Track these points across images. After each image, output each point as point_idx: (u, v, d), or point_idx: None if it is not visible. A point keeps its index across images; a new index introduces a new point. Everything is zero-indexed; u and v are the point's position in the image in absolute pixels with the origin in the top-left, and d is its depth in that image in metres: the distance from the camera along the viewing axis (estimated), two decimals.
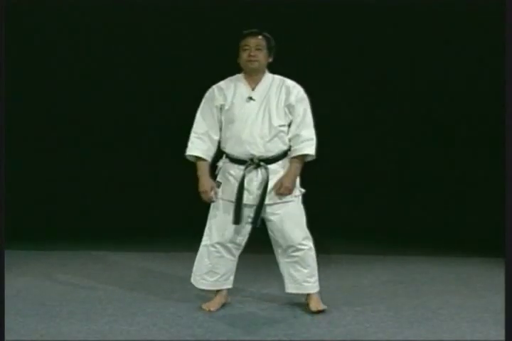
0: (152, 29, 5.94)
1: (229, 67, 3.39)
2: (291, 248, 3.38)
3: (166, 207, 6.09)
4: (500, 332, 3.01)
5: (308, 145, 3.30)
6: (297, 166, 3.32)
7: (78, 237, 5.56)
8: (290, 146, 3.35)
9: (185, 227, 5.73)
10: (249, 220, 3.35)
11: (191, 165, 3.58)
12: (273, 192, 3.31)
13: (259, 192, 3.30)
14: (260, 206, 3.28)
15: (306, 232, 3.40)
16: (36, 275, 4.19)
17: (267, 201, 3.31)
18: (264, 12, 5.47)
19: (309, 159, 3.35)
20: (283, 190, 3.29)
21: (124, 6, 5.66)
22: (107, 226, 5.87)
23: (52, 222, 5.86)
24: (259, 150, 3.28)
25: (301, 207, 3.41)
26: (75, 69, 6.10)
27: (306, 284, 3.43)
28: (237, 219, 3.30)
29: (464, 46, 5.80)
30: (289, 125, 3.32)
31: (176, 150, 5.63)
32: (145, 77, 6.11)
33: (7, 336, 2.82)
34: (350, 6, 5.60)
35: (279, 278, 3.63)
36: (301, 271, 3.42)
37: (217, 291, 3.48)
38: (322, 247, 3.67)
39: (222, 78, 3.42)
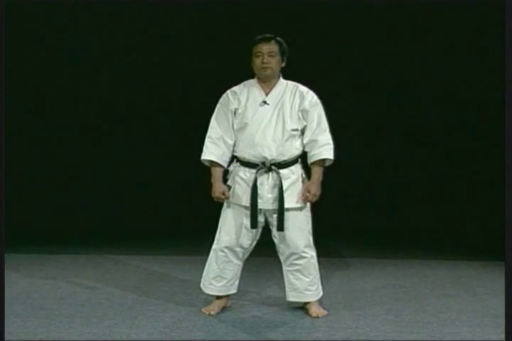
0: (163, 31, 5.96)
1: (242, 72, 3.42)
2: (293, 255, 3.38)
3: (167, 211, 6.09)
4: (501, 336, 3.01)
5: (326, 150, 3.32)
6: (319, 172, 3.34)
7: (78, 241, 5.55)
8: (302, 151, 3.37)
9: (186, 231, 5.77)
10: (259, 224, 3.37)
11: (194, 169, 3.59)
12: (284, 198, 3.30)
13: (270, 196, 3.31)
14: (281, 211, 3.28)
15: (310, 241, 3.40)
16: (36, 279, 4.19)
17: (277, 206, 3.31)
18: (271, 14, 5.51)
19: (328, 163, 3.36)
20: (311, 198, 3.32)
21: (139, 7, 5.69)
22: (107, 229, 5.87)
23: (53, 226, 5.85)
24: (272, 154, 3.29)
25: (309, 214, 3.41)
26: (77, 69, 6.11)
27: (306, 292, 3.44)
28: (254, 224, 3.31)
29: (466, 48, 5.82)
30: (302, 130, 3.34)
31: (179, 153, 5.70)
32: (158, 81, 6.12)
33: (7, 339, 2.82)
34: (352, 8, 5.63)
35: (279, 281, 3.64)
36: (303, 280, 3.42)
37: (218, 295, 3.48)
38: (323, 251, 3.68)
39: (237, 82, 3.44)
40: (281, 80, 3.40)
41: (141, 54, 6.06)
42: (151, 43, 6.02)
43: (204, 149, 3.38)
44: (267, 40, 3.33)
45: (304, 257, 3.38)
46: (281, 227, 3.31)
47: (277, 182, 3.30)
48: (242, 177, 3.35)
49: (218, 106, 3.41)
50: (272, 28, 3.41)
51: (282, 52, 3.35)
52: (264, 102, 3.33)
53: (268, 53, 3.30)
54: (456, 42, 5.84)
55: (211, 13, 5.80)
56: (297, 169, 3.37)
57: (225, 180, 3.39)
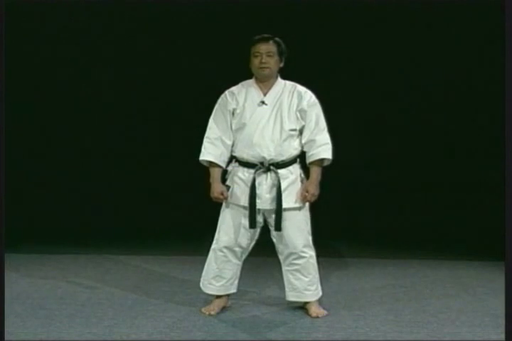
0: (164, 31, 5.95)
1: (242, 72, 3.42)
2: (292, 255, 3.38)
3: (167, 211, 6.08)
4: (501, 336, 3.01)
5: (324, 150, 3.32)
6: (317, 172, 3.34)
7: (78, 240, 5.55)
8: (300, 151, 3.37)
9: (186, 231, 5.77)
10: (258, 224, 3.38)
11: (193, 169, 3.59)
12: (283, 198, 3.30)
13: (268, 196, 3.31)
14: (279, 211, 3.29)
15: (309, 240, 3.40)
16: (36, 279, 4.19)
17: (275, 206, 3.31)
18: (271, 14, 5.52)
19: (326, 163, 3.37)
20: (310, 197, 3.32)
21: (139, 7, 5.70)
22: (107, 229, 5.87)
23: (53, 226, 5.85)
24: (270, 154, 3.29)
25: (308, 214, 3.41)
26: (77, 69, 6.10)
27: (306, 292, 3.44)
28: (253, 224, 3.31)
29: (466, 48, 5.82)
30: (300, 130, 3.35)
31: (179, 153, 5.69)
32: (158, 81, 6.11)
33: (7, 339, 2.82)
34: (352, 8, 5.63)
35: (279, 281, 3.64)
36: (302, 279, 3.42)
37: (218, 295, 3.49)
38: (323, 251, 3.68)
39: (236, 83, 3.44)
40: (280, 80, 3.40)
41: (141, 54, 6.05)
42: (151, 43, 6.02)
43: (202, 150, 3.38)
44: (265, 40, 3.33)
45: (303, 257, 3.38)
46: (278, 227, 3.31)
47: (276, 182, 3.30)
48: (241, 177, 3.35)
49: (216, 106, 3.42)
50: (271, 28, 3.42)
51: (280, 53, 3.35)
52: (262, 102, 3.33)
53: (266, 53, 3.30)
54: (455, 42, 5.84)
55: (211, 13, 5.81)
56: (296, 169, 3.37)
57: (224, 180, 3.40)
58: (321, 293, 3.51)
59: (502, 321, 3.07)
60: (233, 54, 4.08)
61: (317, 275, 3.46)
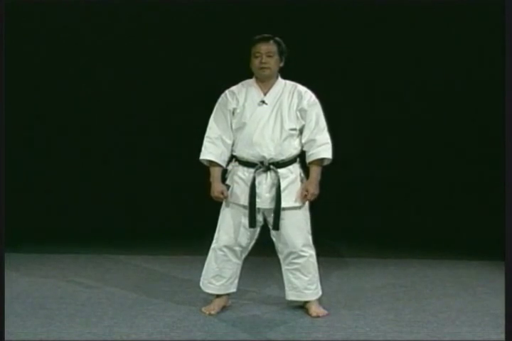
0: (164, 31, 5.95)
1: (242, 72, 3.43)
2: (292, 254, 3.38)
3: (167, 211, 6.08)
4: (501, 336, 3.01)
5: (324, 150, 3.33)
6: (317, 171, 3.35)
7: (78, 240, 5.55)
8: (300, 151, 3.38)
9: (186, 231, 5.77)
10: (258, 224, 3.38)
11: (193, 169, 3.59)
12: (282, 197, 3.30)
13: (268, 195, 3.32)
14: (278, 210, 3.29)
15: (309, 240, 3.41)
16: (36, 278, 4.19)
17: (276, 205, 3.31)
18: (271, 14, 5.52)
19: (326, 163, 3.37)
20: (310, 197, 3.33)
21: (139, 7, 5.71)
22: (107, 229, 5.87)
23: (53, 225, 5.85)
24: (270, 153, 3.29)
25: (308, 213, 3.42)
26: (77, 69, 6.10)
27: (306, 291, 3.44)
28: (252, 223, 3.31)
29: (466, 48, 5.82)
30: (300, 130, 3.35)
31: (179, 153, 5.69)
32: (158, 81, 6.10)
33: (7, 339, 2.82)
34: (352, 8, 5.63)
35: (279, 280, 3.64)
36: (302, 279, 3.42)
37: (218, 294, 3.49)
38: (323, 250, 3.68)
39: (236, 83, 3.45)
40: (280, 80, 3.41)
41: (141, 54, 6.05)
42: (151, 43, 6.02)
43: (203, 149, 3.39)
44: (266, 40, 3.33)
45: (303, 256, 3.38)
46: (276, 226, 3.32)
47: (275, 182, 3.30)
48: (241, 176, 3.35)
49: (217, 106, 3.42)
50: (271, 28, 3.42)
51: (281, 52, 3.36)
52: (263, 102, 3.34)
53: (266, 53, 3.30)
54: (455, 42, 5.84)
55: (211, 13, 5.81)
56: (295, 168, 3.38)
57: (223, 180, 3.40)
58: (320, 293, 3.51)
59: (502, 321, 3.07)
60: (233, 54, 4.09)
61: (317, 275, 3.46)
